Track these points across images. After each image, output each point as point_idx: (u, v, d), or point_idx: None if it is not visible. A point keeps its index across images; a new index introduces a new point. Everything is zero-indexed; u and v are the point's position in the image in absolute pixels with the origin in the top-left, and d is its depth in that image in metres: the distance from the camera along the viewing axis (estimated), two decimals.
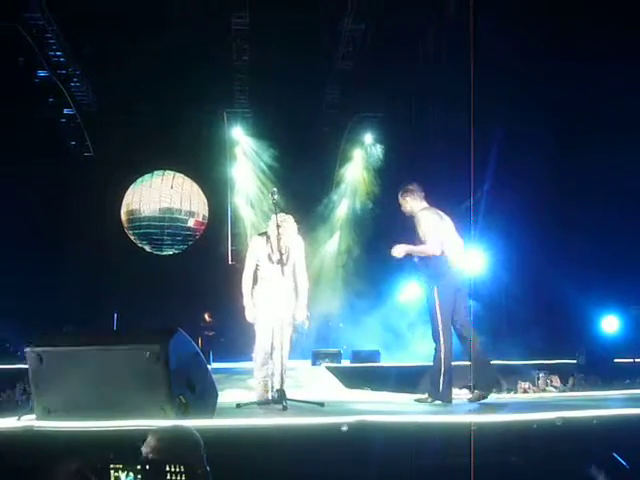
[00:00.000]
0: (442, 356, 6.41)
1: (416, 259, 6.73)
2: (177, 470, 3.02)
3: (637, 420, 4.62)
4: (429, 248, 6.49)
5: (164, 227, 17.44)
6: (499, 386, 6.61)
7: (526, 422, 4.56)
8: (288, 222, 6.60)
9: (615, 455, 4.06)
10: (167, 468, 3.02)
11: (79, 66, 15.17)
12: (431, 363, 6.60)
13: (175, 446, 3.14)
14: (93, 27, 13.83)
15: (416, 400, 6.74)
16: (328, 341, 15.20)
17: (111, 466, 3.14)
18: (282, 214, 6.62)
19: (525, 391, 9.79)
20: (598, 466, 4.06)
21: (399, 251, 6.60)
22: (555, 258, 12.51)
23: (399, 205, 6.89)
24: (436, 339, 6.51)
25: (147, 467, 3.07)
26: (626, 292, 12.05)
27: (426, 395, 6.65)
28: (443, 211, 6.83)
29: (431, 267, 6.56)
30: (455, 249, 6.70)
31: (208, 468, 3.09)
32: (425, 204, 6.79)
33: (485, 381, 6.63)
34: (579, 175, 12.61)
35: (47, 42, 13.91)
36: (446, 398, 6.44)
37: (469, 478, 4.07)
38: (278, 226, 6.37)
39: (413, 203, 6.76)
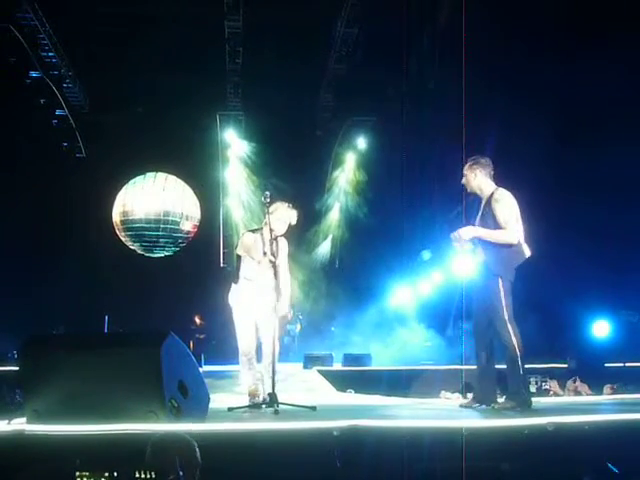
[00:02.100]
0: (516, 352, 5.50)
1: (475, 246, 5.73)
2: (147, 477, 2.98)
3: (629, 426, 4.64)
4: (507, 235, 5.60)
5: (157, 229, 17.43)
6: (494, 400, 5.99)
7: (517, 427, 4.56)
8: (281, 209, 6.47)
9: (609, 465, 4.05)
10: (137, 475, 2.98)
11: (72, 67, 15.14)
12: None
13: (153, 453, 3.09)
14: (86, 28, 13.80)
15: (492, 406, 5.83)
16: (320, 344, 15.18)
17: (77, 473, 3.09)
18: (277, 202, 6.48)
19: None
20: (591, 473, 4.07)
21: (468, 233, 5.66)
22: (546, 262, 12.51)
23: (461, 176, 5.99)
24: (501, 337, 5.60)
25: (115, 474, 3.03)
26: (617, 297, 12.07)
27: (502, 400, 5.78)
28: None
29: (502, 256, 5.63)
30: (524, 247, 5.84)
31: (182, 473, 3.05)
32: (494, 184, 5.90)
33: (488, 391, 5.91)
34: (571, 179, 12.63)
35: (40, 43, 13.85)
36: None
37: None
38: (271, 230, 6.36)
39: (482, 179, 5.88)
